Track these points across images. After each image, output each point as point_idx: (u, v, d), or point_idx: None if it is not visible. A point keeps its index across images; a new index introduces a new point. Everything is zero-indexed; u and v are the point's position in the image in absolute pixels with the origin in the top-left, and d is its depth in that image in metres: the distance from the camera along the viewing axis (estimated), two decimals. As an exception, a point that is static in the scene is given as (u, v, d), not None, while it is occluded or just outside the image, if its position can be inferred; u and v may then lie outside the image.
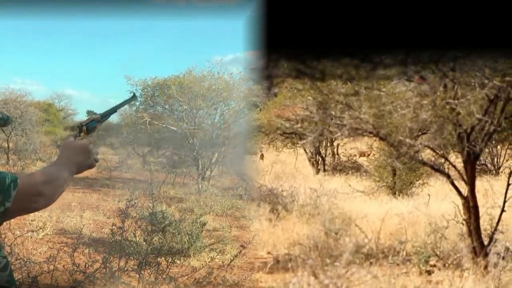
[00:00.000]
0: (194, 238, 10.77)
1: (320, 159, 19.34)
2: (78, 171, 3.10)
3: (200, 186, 21.42)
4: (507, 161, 16.93)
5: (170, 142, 24.29)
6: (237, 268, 10.94)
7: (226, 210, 17.15)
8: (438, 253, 8.66)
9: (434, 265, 8.45)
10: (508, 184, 8.52)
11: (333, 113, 8.55)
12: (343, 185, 14.60)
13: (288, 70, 6.96)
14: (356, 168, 18.28)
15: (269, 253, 9.81)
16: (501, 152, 17.33)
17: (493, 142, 14.60)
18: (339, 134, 8.63)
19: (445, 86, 7.57)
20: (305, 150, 19.31)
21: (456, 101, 7.51)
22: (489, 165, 17.49)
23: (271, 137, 18.52)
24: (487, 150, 15.83)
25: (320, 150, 19.36)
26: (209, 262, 9.46)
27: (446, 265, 8.37)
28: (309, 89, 8.85)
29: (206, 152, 23.00)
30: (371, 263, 8.53)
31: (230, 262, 9.48)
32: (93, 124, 3.26)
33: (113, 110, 3.50)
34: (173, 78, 23.38)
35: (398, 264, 8.36)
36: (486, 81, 7.30)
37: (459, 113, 7.61)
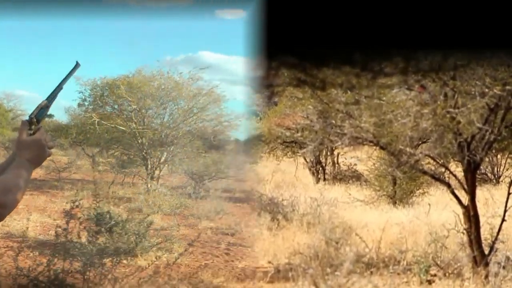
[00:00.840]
0: (141, 237, 10.84)
1: (320, 168, 19.34)
2: (36, 167, 3.05)
3: (149, 185, 21.52)
4: (507, 170, 16.95)
5: (119, 142, 24.19)
6: (184, 267, 11.04)
7: (175, 209, 17.42)
8: (438, 262, 8.64)
9: (435, 275, 8.43)
10: (509, 193, 8.51)
11: (333, 122, 8.54)
12: (343, 194, 14.60)
13: (289, 79, 6.96)
14: (357, 177, 18.29)
15: (269, 262, 9.78)
16: (501, 161, 17.35)
17: (493, 151, 14.60)
18: (339, 143, 8.63)
19: (445, 95, 7.57)
20: (305, 159, 19.31)
21: (457, 110, 7.50)
22: (489, 174, 17.51)
23: (271, 146, 18.54)
24: (487, 159, 15.84)
25: (321, 159, 19.36)
26: (155, 261, 9.44)
27: (447, 274, 8.36)
28: (309, 98, 8.85)
29: (155, 151, 23.06)
30: (371, 272, 8.51)
31: (175, 260, 9.48)
32: (41, 114, 3.15)
33: (59, 87, 3.38)
34: (122, 78, 23.35)
35: (398, 274, 8.34)
36: (487, 90, 7.29)
37: (459, 122, 7.60)
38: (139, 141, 22.87)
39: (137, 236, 10.66)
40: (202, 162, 24.26)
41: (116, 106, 23.56)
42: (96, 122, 22.50)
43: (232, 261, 12.47)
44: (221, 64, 62.09)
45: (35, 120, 3.10)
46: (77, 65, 3.55)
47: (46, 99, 3.27)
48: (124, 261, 10.08)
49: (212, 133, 24.84)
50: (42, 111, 3.20)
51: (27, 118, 3.24)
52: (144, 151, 22.79)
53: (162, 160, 23.42)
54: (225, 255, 13.07)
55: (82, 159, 29.08)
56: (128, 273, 8.82)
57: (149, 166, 22.88)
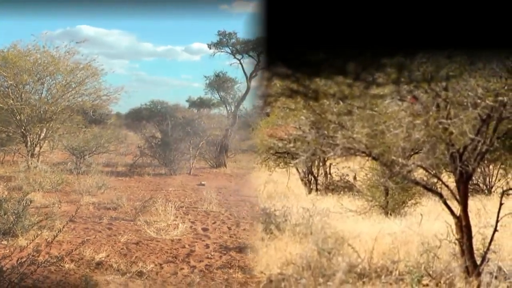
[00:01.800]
0: (21, 216, 10.90)
1: (313, 178, 19.32)
2: None
3: (29, 163, 21.72)
4: (499, 180, 16.96)
5: (-3, 120, 23.33)
6: (66, 243, 11.06)
7: (56, 186, 17.96)
8: (430, 272, 8.64)
9: (427, 285, 8.44)
10: (501, 204, 8.54)
11: (326, 132, 8.54)
12: (335, 205, 14.59)
13: (281, 89, 6.97)
14: (349, 187, 18.27)
15: (262, 272, 9.77)
16: (493, 172, 17.36)
17: (486, 161, 14.62)
18: (331, 153, 8.62)
19: (437, 105, 7.59)
20: (297, 169, 19.28)
21: (449, 121, 7.52)
22: (481, 185, 17.53)
23: (264, 156, 18.53)
24: (479, 169, 15.86)
25: (313, 169, 19.34)
26: (35, 240, 9.42)
27: (439, 284, 8.36)
28: (302, 108, 8.85)
29: (35, 128, 22.88)
30: (364, 282, 8.51)
31: (54, 238, 9.47)
32: None
33: None
34: (-3, 53, 22.67)
35: (391, 284, 8.35)
36: (479, 101, 7.31)
37: (451, 133, 7.62)
38: (18, 118, 22.81)
39: (16, 215, 10.76)
40: (82, 137, 24.53)
41: (-9, 82, 22.89)
42: (-30, 99, 21.64)
43: (115, 235, 12.88)
44: (100, 38, 61.77)
45: None
46: None
47: None
48: (4, 242, 10.38)
49: (91, 107, 24.72)
50: None
51: None
52: (23, 127, 22.80)
53: (42, 137, 23.45)
54: (108, 230, 13.53)
55: (-41, 138, 28.94)
56: (7, 254, 8.73)
57: (29, 143, 22.95)
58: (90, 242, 11.75)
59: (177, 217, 14.87)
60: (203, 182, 23.87)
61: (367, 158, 9.44)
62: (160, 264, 10.70)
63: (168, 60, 70.07)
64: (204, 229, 14.28)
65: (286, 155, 17.15)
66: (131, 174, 25.41)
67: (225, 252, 11.87)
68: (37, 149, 23.20)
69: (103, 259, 10.53)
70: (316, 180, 19.34)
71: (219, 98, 41.53)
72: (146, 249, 11.77)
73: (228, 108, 41.09)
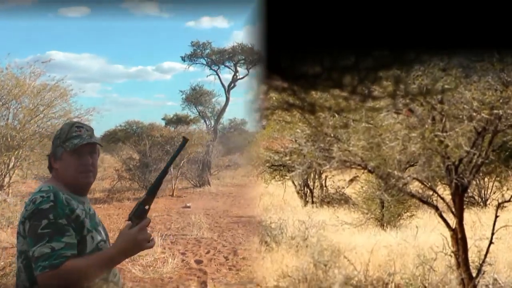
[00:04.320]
0: None
1: (308, 191, 19.34)
2: (124, 259, 3.42)
3: None
4: (494, 193, 16.99)
5: (-41, 149, 21.94)
6: None
7: None
8: (426, 285, 8.66)
9: (423, 297, 8.44)
10: (496, 216, 8.55)
11: (322, 145, 8.56)
12: (331, 217, 14.63)
13: (277, 102, 7.00)
14: (345, 200, 18.31)
15: (258, 285, 9.77)
16: (488, 185, 17.40)
17: (481, 174, 14.66)
18: (327, 166, 8.64)
19: (433, 118, 7.62)
20: (293, 182, 19.31)
21: (444, 134, 7.55)
22: (476, 197, 17.57)
23: (260, 169, 18.54)
24: (474, 182, 15.89)
25: (309, 182, 19.36)
26: None
27: (435, 297, 8.37)
28: (298, 121, 8.88)
29: (2, 157, 21.15)
30: (360, 295, 8.52)
31: None
32: (139, 210, 3.43)
33: (162, 174, 3.64)
34: (-44, 75, 21.42)
35: (387, 296, 8.35)
36: (474, 114, 7.34)
37: (447, 146, 7.64)
38: (-19, 147, 21.16)
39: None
40: (55, 165, 22.85)
41: (-49, 108, 21.59)
42: None
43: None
44: (71, 62, 61.70)
45: (132, 217, 3.42)
46: (185, 140, 3.71)
47: (145, 194, 3.53)
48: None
49: (62, 131, 22.90)
50: (139, 208, 3.47)
51: None
52: (-12, 158, 21.17)
53: (10, 166, 21.78)
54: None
55: None
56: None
57: (-4, 174, 21.32)
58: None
59: (164, 248, 13.45)
60: (188, 204, 22.96)
61: (362, 170, 9.47)
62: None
63: (139, 80, 70.91)
64: (198, 262, 12.61)
65: (282, 168, 17.17)
66: (110, 200, 24.37)
67: (227, 292, 10.45)
68: (6, 179, 21.50)
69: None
70: (312, 192, 19.37)
71: (197, 113, 40.68)
72: (132, 295, 10.17)
73: (207, 122, 40.46)
